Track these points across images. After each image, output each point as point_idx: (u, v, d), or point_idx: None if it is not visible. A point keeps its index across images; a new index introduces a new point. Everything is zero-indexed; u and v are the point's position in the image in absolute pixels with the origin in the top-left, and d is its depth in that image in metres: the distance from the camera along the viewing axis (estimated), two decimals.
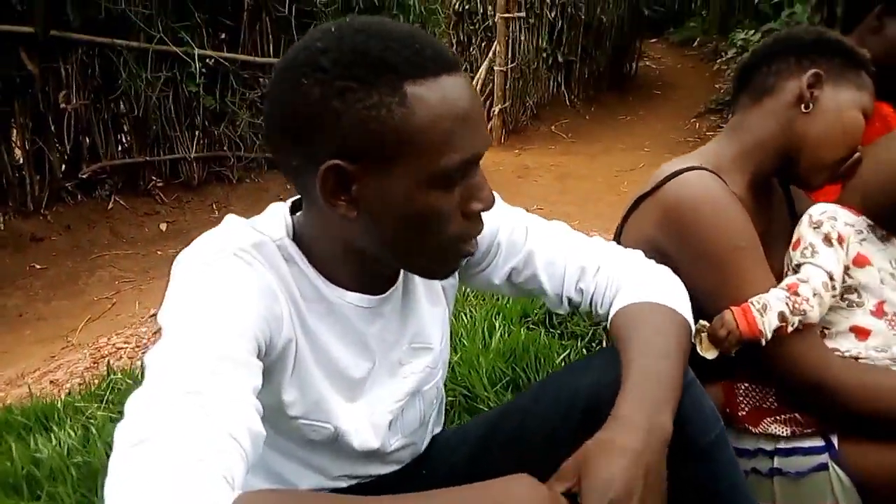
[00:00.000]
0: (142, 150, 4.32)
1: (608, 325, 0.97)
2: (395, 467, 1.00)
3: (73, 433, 1.75)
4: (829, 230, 1.14)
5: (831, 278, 1.11)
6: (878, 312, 1.14)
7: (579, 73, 7.07)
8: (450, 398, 1.68)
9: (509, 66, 6.15)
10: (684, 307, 0.96)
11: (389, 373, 0.93)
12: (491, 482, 0.67)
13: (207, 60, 4.37)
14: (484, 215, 0.85)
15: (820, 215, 1.17)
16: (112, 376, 2.10)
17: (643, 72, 8.31)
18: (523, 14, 6.25)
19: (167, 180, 4.44)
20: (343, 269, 0.85)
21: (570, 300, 1.03)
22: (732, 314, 1.05)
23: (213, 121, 4.53)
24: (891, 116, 1.65)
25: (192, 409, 0.62)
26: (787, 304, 1.07)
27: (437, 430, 1.11)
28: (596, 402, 0.86)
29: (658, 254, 1.12)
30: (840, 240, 1.14)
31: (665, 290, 0.97)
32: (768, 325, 1.05)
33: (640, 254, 1.07)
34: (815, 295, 1.08)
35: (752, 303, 1.07)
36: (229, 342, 0.69)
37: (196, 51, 4.21)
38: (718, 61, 7.75)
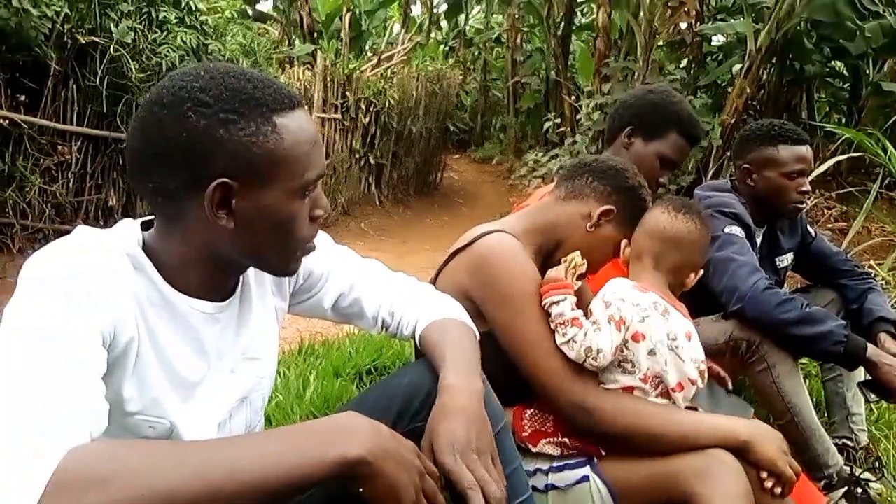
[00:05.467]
0: None
1: (418, 339, 1.19)
2: None
3: None
4: (614, 313, 1.33)
5: (598, 352, 1.29)
6: (646, 380, 1.35)
7: (389, 176, 7.52)
8: None
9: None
10: (467, 318, 1.25)
11: (222, 378, 1.02)
12: (317, 420, 0.82)
13: (0, 121, 4.08)
14: (316, 251, 1.03)
15: (612, 296, 1.36)
16: None
17: (447, 182, 8.98)
18: (339, 116, 6.60)
19: None
20: (191, 278, 0.95)
21: (383, 321, 1.25)
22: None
23: None
24: None
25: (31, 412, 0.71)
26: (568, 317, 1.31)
27: None
28: (412, 397, 1.08)
29: (466, 297, 1.36)
30: (621, 322, 1.32)
31: (453, 309, 1.25)
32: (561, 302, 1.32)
33: (430, 286, 1.35)
34: (571, 341, 1.30)
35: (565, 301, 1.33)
36: (74, 334, 0.78)
37: None
38: (512, 177, 8.61)
